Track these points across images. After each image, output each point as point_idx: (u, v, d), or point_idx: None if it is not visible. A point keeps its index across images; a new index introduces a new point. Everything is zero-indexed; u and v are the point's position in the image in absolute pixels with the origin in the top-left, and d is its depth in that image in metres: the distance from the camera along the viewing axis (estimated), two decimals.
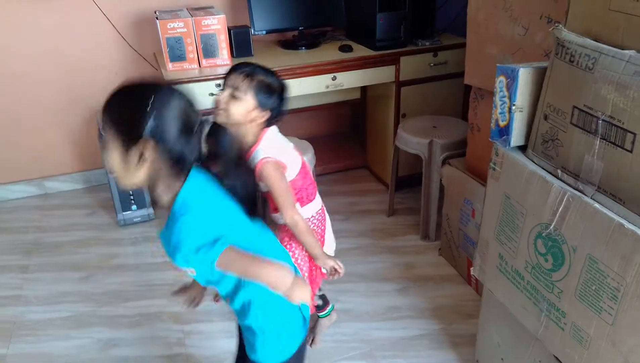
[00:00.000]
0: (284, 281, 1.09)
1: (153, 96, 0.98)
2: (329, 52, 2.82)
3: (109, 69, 3.02)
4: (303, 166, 1.67)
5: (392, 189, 2.81)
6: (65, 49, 2.91)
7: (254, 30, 2.82)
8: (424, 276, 2.38)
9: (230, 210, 1.12)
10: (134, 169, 1.00)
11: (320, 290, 1.95)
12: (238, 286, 1.16)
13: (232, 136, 1.13)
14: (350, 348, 2.01)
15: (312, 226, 1.72)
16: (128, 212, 2.81)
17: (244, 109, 1.47)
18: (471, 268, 1.68)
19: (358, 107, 3.40)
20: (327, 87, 2.74)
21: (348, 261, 2.45)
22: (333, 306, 2.08)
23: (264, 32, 2.87)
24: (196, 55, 2.61)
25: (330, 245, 1.86)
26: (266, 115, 1.51)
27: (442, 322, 2.10)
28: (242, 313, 1.20)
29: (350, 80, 2.77)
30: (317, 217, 1.76)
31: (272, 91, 1.50)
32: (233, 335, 1.55)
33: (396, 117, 2.88)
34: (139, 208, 2.82)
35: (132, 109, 0.99)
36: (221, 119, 1.47)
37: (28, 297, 2.32)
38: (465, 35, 2.10)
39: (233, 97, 1.47)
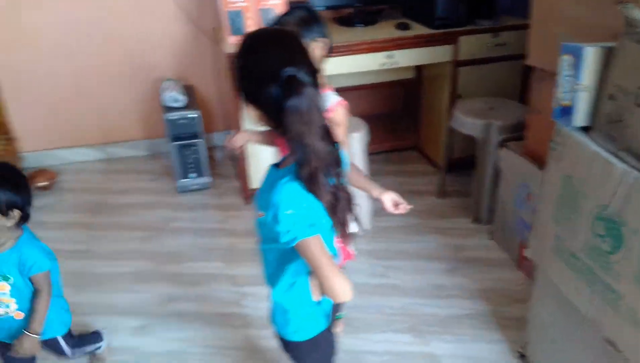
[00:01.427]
0: (343, 296, 1.06)
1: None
2: (385, 30, 2.82)
3: (170, 43, 3.14)
4: None
5: (443, 170, 2.82)
6: (128, 22, 3.05)
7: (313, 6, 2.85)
8: (473, 258, 2.40)
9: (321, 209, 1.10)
10: None
11: None
12: (289, 262, 1.18)
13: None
14: (397, 321, 2.06)
15: None
16: (187, 179, 2.94)
17: (320, 53, 1.51)
18: (525, 249, 1.68)
19: (412, 87, 3.38)
20: (383, 64, 2.75)
21: (396, 239, 2.52)
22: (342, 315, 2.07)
23: (323, 8, 2.90)
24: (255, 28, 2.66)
25: None
26: (325, 43, 1.54)
27: (490, 304, 2.12)
28: (275, 282, 1.25)
29: (406, 58, 2.76)
30: None
31: (313, 21, 1.52)
32: None
33: (451, 98, 2.87)
34: (197, 176, 2.95)
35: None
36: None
37: (94, 252, 2.49)
38: (526, 17, 2.07)
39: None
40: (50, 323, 1.55)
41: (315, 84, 1.02)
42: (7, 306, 1.49)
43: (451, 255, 2.42)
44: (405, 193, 2.81)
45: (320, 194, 1.03)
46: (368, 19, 2.96)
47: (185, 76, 3.21)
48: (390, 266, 2.36)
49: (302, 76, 0.99)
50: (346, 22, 2.97)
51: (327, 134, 1.03)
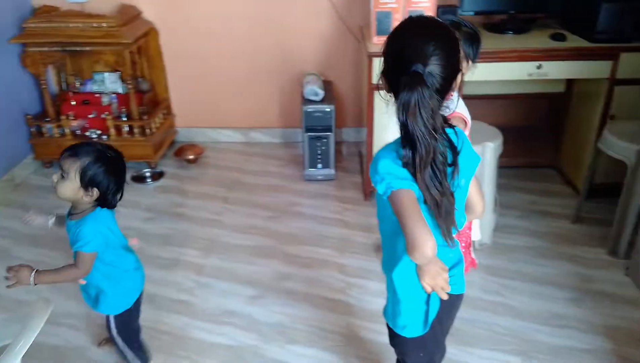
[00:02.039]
0: (424, 251, 1.04)
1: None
2: (537, 39, 2.68)
3: (317, 38, 3.30)
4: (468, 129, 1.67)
5: (583, 194, 2.60)
6: (280, 16, 3.25)
7: (462, 10, 2.80)
8: (601, 291, 2.19)
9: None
10: None
11: None
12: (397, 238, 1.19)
13: None
14: (505, 341, 1.97)
15: None
16: (313, 169, 3.08)
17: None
18: None
19: (559, 102, 3.16)
20: (530, 75, 2.62)
21: (518, 259, 2.40)
22: None
23: (472, 13, 2.83)
24: None
25: (476, 222, 1.81)
26: (469, 65, 1.55)
27: (612, 343, 1.93)
28: (390, 265, 1.27)
29: (556, 71, 2.60)
30: None
31: (473, 40, 1.53)
32: None
33: (602, 118, 2.63)
34: (323, 167, 3.07)
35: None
36: None
37: (225, 223, 2.73)
38: None
39: None
40: (108, 299, 1.62)
41: (444, 88, 1.05)
42: None
43: (577, 284, 2.23)
44: (535, 213, 2.73)
45: (423, 184, 1.07)
46: (520, 27, 2.83)
47: (326, 72, 3.36)
48: (507, 286, 2.25)
49: (431, 75, 1.02)
50: (496, 28, 2.87)
51: (437, 132, 1.05)
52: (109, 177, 1.48)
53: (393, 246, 1.23)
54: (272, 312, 2.13)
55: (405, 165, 1.08)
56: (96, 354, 1.94)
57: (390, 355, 1.88)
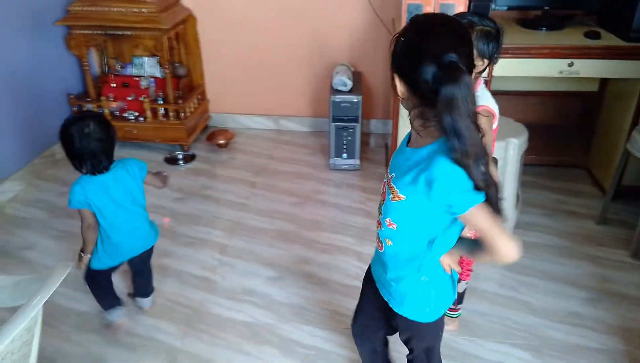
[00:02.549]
0: (513, 254, 1.07)
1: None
2: (571, 37, 2.64)
3: (349, 30, 3.33)
4: (496, 127, 1.67)
5: (609, 195, 2.56)
6: (315, 6, 3.30)
7: (495, 5, 2.78)
8: (621, 293, 2.17)
9: None
10: None
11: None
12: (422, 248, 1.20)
13: None
14: (518, 336, 1.98)
15: None
16: (339, 159, 3.13)
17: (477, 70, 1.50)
18: None
19: (592, 101, 3.10)
20: (561, 72, 2.59)
21: (538, 257, 2.40)
22: (459, 314, 2.01)
23: (506, 7, 2.81)
24: None
25: None
26: (484, 64, 1.52)
27: (626, 344, 1.92)
28: (397, 266, 1.26)
29: (589, 69, 2.56)
30: None
31: (490, 38, 1.49)
32: None
33: (635, 119, 2.58)
34: (348, 157, 3.12)
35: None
36: None
37: (250, 207, 2.82)
38: None
39: None
40: (95, 253, 1.88)
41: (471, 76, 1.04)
42: None
43: (596, 285, 2.22)
44: (560, 212, 2.71)
45: (474, 178, 1.04)
46: (554, 24, 2.79)
47: (356, 63, 3.39)
48: (523, 282, 2.25)
49: (462, 64, 1.01)
50: (530, 24, 2.84)
51: (477, 124, 1.04)
52: (70, 154, 1.72)
53: (416, 248, 1.22)
54: (290, 293, 2.20)
55: (457, 160, 1.03)
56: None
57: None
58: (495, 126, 1.64)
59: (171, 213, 2.75)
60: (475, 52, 1.46)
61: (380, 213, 1.27)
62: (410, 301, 1.28)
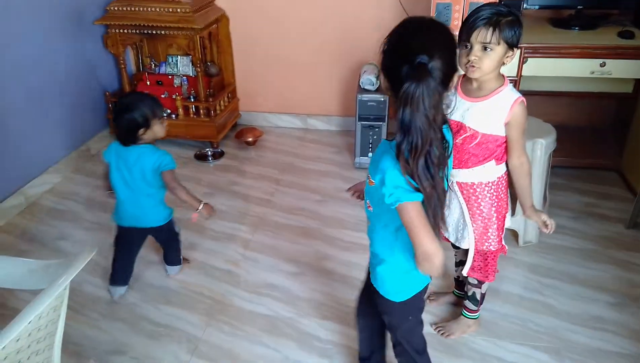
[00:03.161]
0: (434, 263, 1.14)
1: None
2: (603, 36, 2.59)
3: (380, 28, 3.32)
4: None
5: (639, 198, 2.49)
6: (346, 6, 3.32)
7: (527, 3, 2.75)
8: None
9: None
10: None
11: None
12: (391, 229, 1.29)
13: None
14: (538, 338, 1.96)
15: (500, 185, 1.70)
16: (364, 157, 3.15)
17: (498, 59, 1.50)
18: None
19: (626, 103, 3.02)
20: (593, 73, 2.54)
21: (564, 260, 2.36)
22: (478, 316, 1.98)
23: (537, 6, 2.78)
24: (460, 22, 2.69)
25: (509, 210, 1.79)
26: (515, 53, 1.53)
27: None
28: (381, 249, 1.35)
29: (621, 69, 2.50)
30: (505, 178, 1.72)
31: (515, 27, 1.48)
32: None
33: None
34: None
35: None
36: (476, 75, 1.53)
37: (275, 203, 2.87)
38: None
39: (485, 50, 1.49)
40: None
41: (444, 83, 1.11)
42: None
43: (623, 290, 2.17)
44: (589, 215, 2.66)
45: (416, 174, 1.10)
46: (587, 23, 2.74)
47: None
48: (548, 285, 2.22)
49: (434, 68, 1.08)
50: (562, 23, 2.80)
51: (436, 125, 1.10)
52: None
53: (387, 232, 1.31)
54: (310, 289, 2.24)
55: (398, 155, 1.11)
56: (145, 310, 2.14)
57: None
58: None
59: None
60: (505, 46, 1.49)
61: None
62: (384, 279, 1.38)
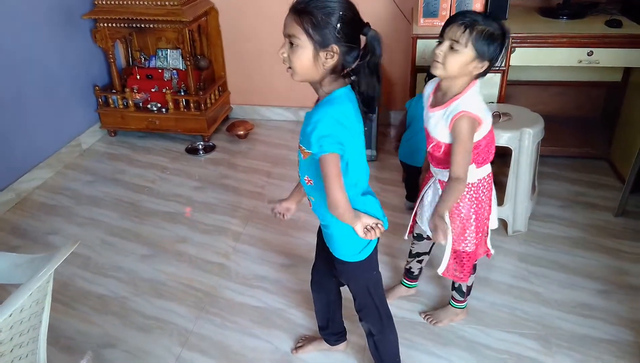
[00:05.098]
0: (337, 209, 1.26)
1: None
2: (591, 25, 2.59)
3: (370, 19, 3.31)
4: (491, 129, 1.62)
5: (627, 187, 2.51)
6: None
7: None
8: (635, 286, 2.13)
9: (359, 136, 1.30)
10: (318, 68, 1.23)
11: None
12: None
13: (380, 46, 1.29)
14: (526, 326, 1.97)
15: (481, 187, 1.68)
16: None
17: (462, 62, 1.45)
18: None
19: (615, 92, 3.03)
20: (580, 62, 2.55)
21: (552, 248, 2.37)
22: (466, 305, 1.98)
23: None
24: (448, 13, 2.69)
25: (494, 211, 1.79)
26: (484, 66, 1.47)
27: (637, 336, 1.89)
28: (331, 218, 1.37)
29: (609, 58, 2.51)
30: (487, 180, 1.70)
31: (492, 40, 1.42)
32: None
33: None
34: (365, 147, 3.12)
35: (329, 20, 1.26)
36: (438, 72, 1.49)
37: (266, 195, 2.87)
38: None
39: (452, 49, 1.45)
40: None
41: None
42: None
43: (610, 277, 2.19)
44: (578, 204, 2.68)
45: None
46: (575, 12, 2.75)
47: None
48: (536, 273, 2.24)
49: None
50: (550, 13, 2.81)
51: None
52: None
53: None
54: (302, 280, 2.24)
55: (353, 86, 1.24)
56: (136, 304, 2.14)
57: (409, 329, 1.96)
58: (485, 132, 1.59)
59: (190, 201, 2.83)
60: (473, 52, 1.44)
61: (299, 175, 1.42)
62: (339, 244, 1.44)
